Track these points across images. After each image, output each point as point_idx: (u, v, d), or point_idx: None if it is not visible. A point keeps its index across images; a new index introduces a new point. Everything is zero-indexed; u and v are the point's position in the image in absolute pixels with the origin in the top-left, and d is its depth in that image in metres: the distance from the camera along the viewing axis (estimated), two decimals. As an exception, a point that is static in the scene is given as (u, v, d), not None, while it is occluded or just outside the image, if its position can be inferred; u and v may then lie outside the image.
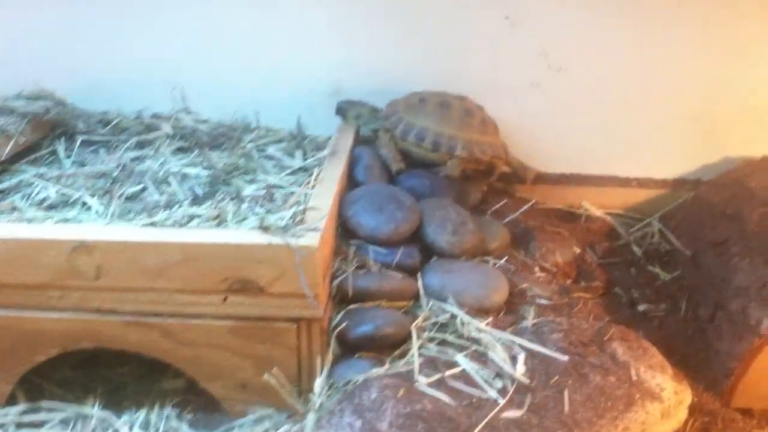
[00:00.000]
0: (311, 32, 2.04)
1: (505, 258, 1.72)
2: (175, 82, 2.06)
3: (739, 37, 1.99)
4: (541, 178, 2.10)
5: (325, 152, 1.85)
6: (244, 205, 1.57)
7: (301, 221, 1.44)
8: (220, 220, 1.49)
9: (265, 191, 1.63)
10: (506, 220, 1.88)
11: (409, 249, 1.61)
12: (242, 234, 1.40)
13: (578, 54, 2.02)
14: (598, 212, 2.06)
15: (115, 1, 2.04)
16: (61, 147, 1.88)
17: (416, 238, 1.65)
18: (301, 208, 1.49)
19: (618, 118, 2.07)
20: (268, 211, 1.54)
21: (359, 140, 1.97)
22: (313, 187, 1.63)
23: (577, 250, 1.85)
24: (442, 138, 1.85)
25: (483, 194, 1.96)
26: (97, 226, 1.45)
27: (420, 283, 1.59)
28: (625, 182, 2.12)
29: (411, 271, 1.60)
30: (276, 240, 1.36)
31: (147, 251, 1.37)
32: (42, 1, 2.05)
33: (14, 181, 1.71)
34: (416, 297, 1.59)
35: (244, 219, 1.51)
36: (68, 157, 1.86)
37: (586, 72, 2.03)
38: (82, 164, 1.83)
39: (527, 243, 1.80)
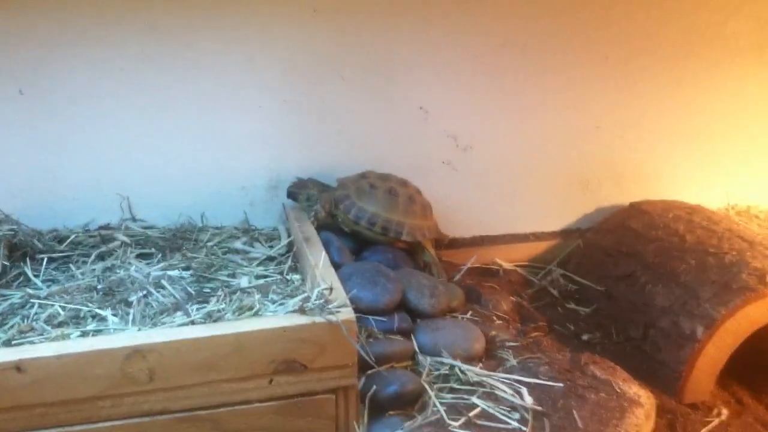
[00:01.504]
0: (248, 134, 2.20)
1: (470, 312, 1.98)
2: (113, 192, 2.14)
3: (598, 115, 2.46)
4: (457, 242, 2.40)
5: (284, 241, 2.05)
6: (257, 296, 1.71)
7: (328, 301, 1.61)
8: (255, 311, 1.62)
9: (279, 278, 1.80)
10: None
11: (402, 315, 1.82)
12: (288, 318, 1.53)
13: (481, 135, 2.37)
14: (509, 266, 2.40)
15: (63, 126, 2.08)
16: (27, 268, 1.88)
17: (401, 304, 1.87)
18: (323, 288, 1.65)
19: (515, 184, 2.44)
20: (286, 296, 1.70)
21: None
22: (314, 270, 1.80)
23: (513, 299, 2.16)
24: (390, 224, 2.08)
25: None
26: (147, 332, 1.52)
27: (415, 343, 1.81)
28: (524, 237, 2.49)
29: (406, 333, 1.81)
30: (318, 319, 1.53)
31: (202, 347, 1.46)
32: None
33: (5, 305, 1.70)
34: (413, 356, 1.80)
35: (265, 308, 1.66)
36: (37, 276, 1.87)
37: (488, 150, 2.38)
38: (55, 282, 1.85)
39: (477, 298, 2.08)
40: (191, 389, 1.49)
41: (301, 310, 1.55)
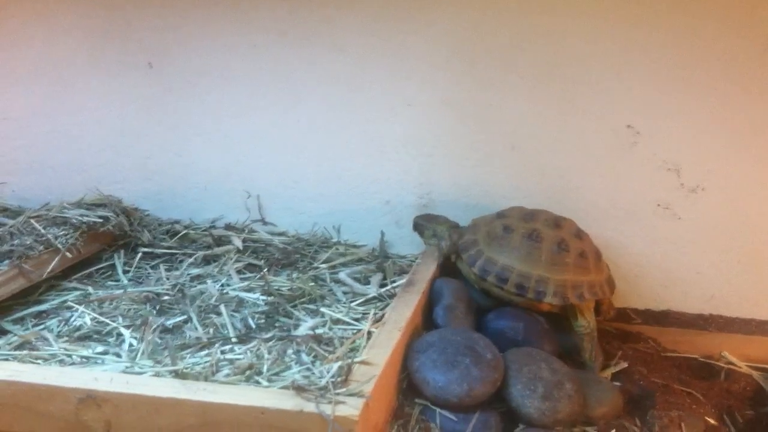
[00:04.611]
0: (399, 140, 1.82)
1: (613, 430, 1.36)
2: (253, 191, 1.90)
3: None
4: (669, 318, 1.73)
5: (400, 281, 1.60)
6: (290, 350, 1.33)
7: (346, 380, 1.18)
8: (252, 372, 1.25)
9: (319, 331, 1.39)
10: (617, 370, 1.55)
11: (485, 416, 1.29)
12: (269, 396, 1.14)
13: (720, 172, 1.67)
14: (742, 366, 1.66)
15: (194, 109, 1.91)
16: (119, 261, 1.72)
17: (499, 399, 1.34)
18: (349, 361, 1.23)
19: (771, 250, 1.69)
20: (315, 361, 1.29)
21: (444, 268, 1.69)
22: (374, 329, 1.37)
23: (712, 422, 1.46)
24: (527, 280, 1.54)
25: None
26: (109, 374, 1.23)
27: (498, 462, 1.27)
28: (779, 329, 1.72)
29: (488, 445, 1.29)
30: (309, 407, 1.10)
31: (162, 410, 1.15)
32: (117, 110, 1.94)
33: (57, 301, 1.56)
34: (493, 478, 1.27)
35: (286, 369, 1.27)
36: (126, 272, 1.70)
37: (729, 193, 1.67)
38: (139, 280, 1.67)
39: (645, 409, 1.44)
40: (152, 457, 1.18)
41: (297, 389, 1.14)
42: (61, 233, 1.63)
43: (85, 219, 1.69)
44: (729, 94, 1.62)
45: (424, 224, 1.78)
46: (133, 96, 1.90)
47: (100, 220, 1.71)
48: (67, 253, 1.61)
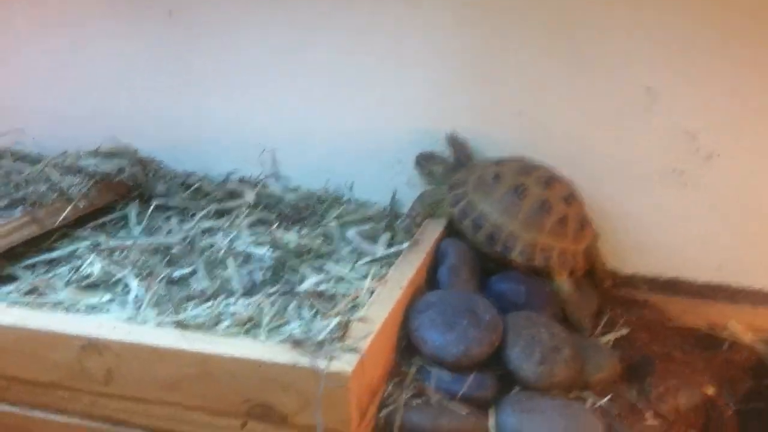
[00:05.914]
0: (410, 100, 1.81)
1: (609, 396, 1.37)
2: (267, 145, 1.90)
3: None
4: (678, 286, 1.72)
5: (406, 243, 1.61)
6: (292, 305, 1.35)
7: (343, 337, 1.19)
8: (252, 325, 1.27)
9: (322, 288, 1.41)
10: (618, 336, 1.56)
11: (481, 377, 1.30)
12: (266, 349, 1.16)
13: (735, 139, 1.63)
14: (747, 338, 1.65)
15: (211, 60, 1.91)
16: (132, 212, 1.75)
17: (497, 361, 1.35)
18: (348, 317, 1.24)
19: (786, 220, 1.67)
20: (315, 316, 1.31)
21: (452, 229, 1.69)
22: (376, 287, 1.38)
23: (710, 391, 1.46)
24: (499, 233, 1.55)
25: (598, 304, 1.63)
26: (111, 323, 1.26)
27: (491, 422, 1.29)
28: (789, 301, 1.70)
29: (482, 405, 1.30)
30: (303, 361, 1.12)
31: (161, 359, 1.18)
32: (136, 59, 1.95)
33: (69, 249, 1.59)
34: (484, 442, 1.29)
35: (285, 324, 1.29)
36: (139, 223, 1.72)
37: (743, 161, 1.64)
38: (152, 232, 1.70)
39: (643, 377, 1.45)
40: (152, 406, 1.22)
41: (294, 343, 1.16)
42: (76, 182, 1.66)
43: (100, 168, 1.71)
44: (752, 59, 1.58)
45: (423, 163, 1.78)
46: (153, 45, 1.91)
47: (115, 170, 1.74)
48: (80, 203, 1.64)
